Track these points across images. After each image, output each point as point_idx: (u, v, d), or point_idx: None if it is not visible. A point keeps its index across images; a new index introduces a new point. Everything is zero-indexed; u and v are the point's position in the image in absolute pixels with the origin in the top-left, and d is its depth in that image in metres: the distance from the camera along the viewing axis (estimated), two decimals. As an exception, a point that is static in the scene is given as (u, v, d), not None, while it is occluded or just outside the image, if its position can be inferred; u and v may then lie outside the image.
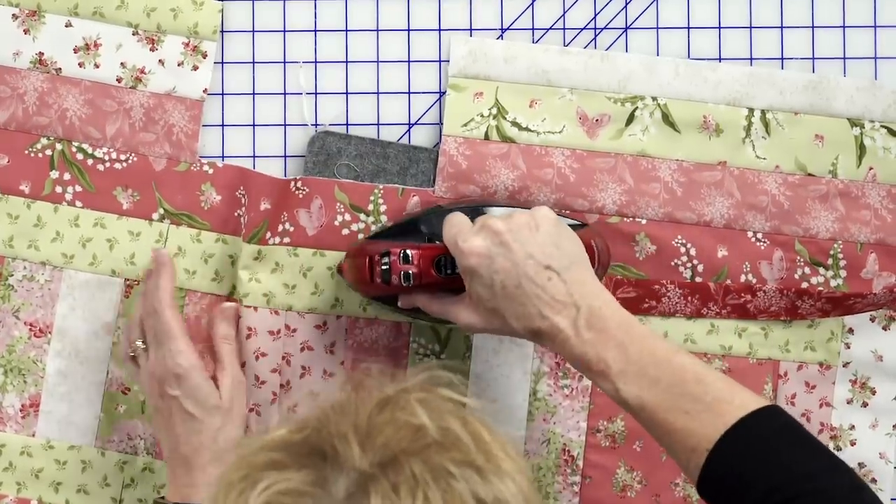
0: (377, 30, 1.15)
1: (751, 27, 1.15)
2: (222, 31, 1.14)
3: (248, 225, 1.12)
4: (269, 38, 1.15)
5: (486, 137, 1.12)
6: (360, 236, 1.12)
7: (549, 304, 0.95)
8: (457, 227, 0.98)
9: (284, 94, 1.15)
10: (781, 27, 1.15)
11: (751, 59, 1.15)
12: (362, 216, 1.12)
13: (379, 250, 1.03)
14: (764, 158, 1.12)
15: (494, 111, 1.12)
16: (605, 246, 1.07)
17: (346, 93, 1.15)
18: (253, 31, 1.15)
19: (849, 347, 1.13)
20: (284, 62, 1.15)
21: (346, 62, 1.15)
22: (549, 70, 1.12)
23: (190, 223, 1.13)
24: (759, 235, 1.13)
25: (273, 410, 1.12)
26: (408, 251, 1.01)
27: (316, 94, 1.15)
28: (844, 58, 1.15)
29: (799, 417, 1.13)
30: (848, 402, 1.14)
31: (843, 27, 1.15)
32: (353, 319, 1.13)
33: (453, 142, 1.12)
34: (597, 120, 1.12)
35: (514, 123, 1.12)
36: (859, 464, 1.13)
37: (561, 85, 1.12)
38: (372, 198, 1.12)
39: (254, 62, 1.15)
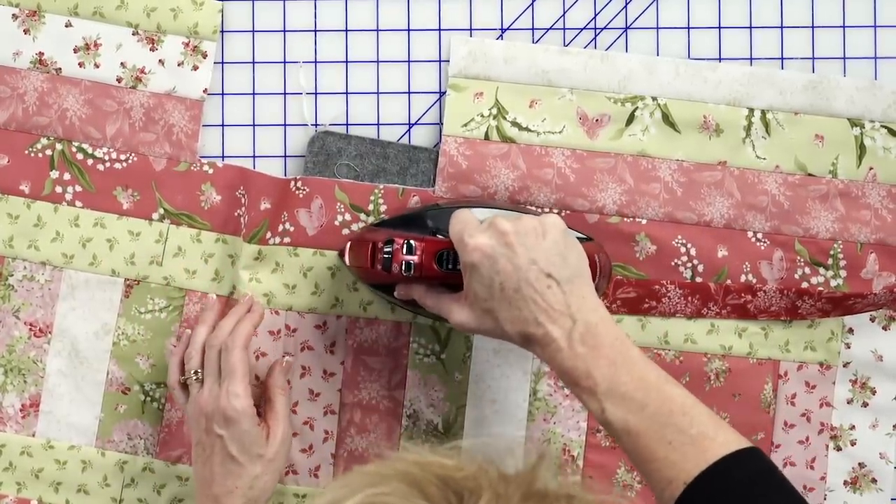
0: (377, 30, 1.15)
1: (751, 27, 1.15)
2: (222, 31, 1.14)
3: (248, 225, 1.12)
4: (269, 38, 1.15)
5: (487, 137, 1.12)
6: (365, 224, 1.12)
7: (545, 312, 0.94)
8: (463, 223, 0.98)
9: (284, 94, 1.15)
10: (781, 27, 1.15)
11: (751, 59, 1.15)
12: (363, 216, 1.12)
13: (382, 238, 1.03)
14: (764, 158, 1.12)
15: (494, 111, 1.12)
16: (607, 262, 1.07)
17: (346, 93, 1.15)
18: (253, 31, 1.15)
19: (849, 347, 1.13)
20: (284, 62, 1.15)
21: (346, 62, 1.15)
22: (549, 70, 1.12)
23: (190, 223, 1.13)
24: (760, 235, 1.13)
25: None
26: (411, 241, 1.01)
27: (316, 94, 1.15)
28: (844, 58, 1.15)
29: (799, 417, 1.13)
30: (848, 402, 1.13)
31: (843, 27, 1.15)
32: (353, 319, 1.13)
33: (453, 142, 1.12)
34: (597, 120, 1.12)
35: (515, 123, 1.12)
36: (859, 464, 1.13)
37: (561, 85, 1.12)
38: (372, 198, 1.12)
39: (254, 62, 1.15)
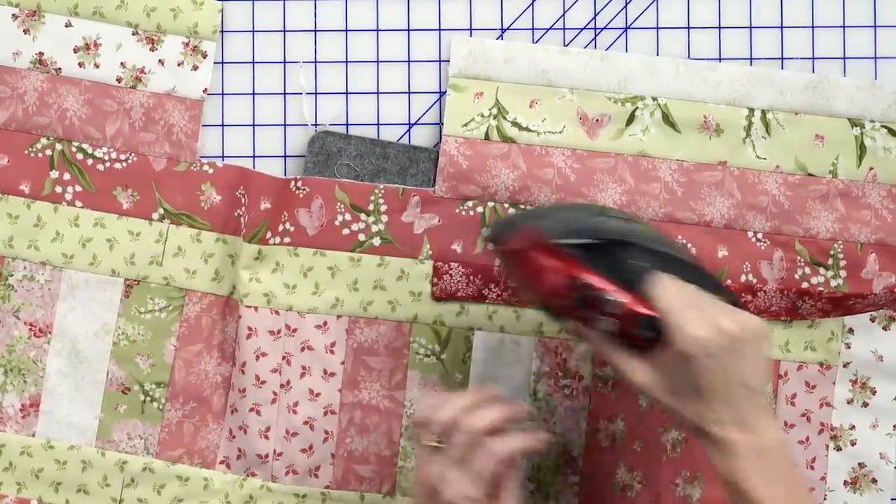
0: (377, 30, 1.15)
1: (751, 27, 1.15)
2: (222, 31, 1.14)
3: (248, 225, 1.12)
4: (269, 38, 1.15)
5: (487, 137, 1.12)
6: (361, 237, 1.12)
7: (734, 419, 0.91)
8: (678, 299, 0.92)
9: (284, 94, 1.14)
10: (781, 27, 1.15)
11: (751, 58, 1.15)
12: (363, 216, 1.12)
13: (576, 270, 0.93)
14: (764, 158, 1.12)
15: (495, 111, 1.12)
16: None
17: (346, 93, 1.15)
18: (253, 31, 1.15)
19: (849, 347, 1.13)
20: (284, 62, 1.15)
21: (346, 62, 1.15)
22: (549, 70, 1.12)
23: (190, 223, 1.13)
24: (760, 235, 1.13)
25: (273, 410, 1.12)
26: (620, 300, 0.92)
27: (316, 94, 1.15)
28: (844, 58, 1.15)
29: (799, 418, 1.13)
30: (848, 402, 1.13)
31: (843, 27, 1.15)
32: (354, 319, 1.13)
33: (454, 142, 1.12)
34: (597, 120, 1.12)
35: (515, 123, 1.12)
36: (859, 464, 1.13)
37: (561, 85, 1.12)
38: (372, 198, 1.12)
39: (254, 62, 1.15)
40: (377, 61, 1.15)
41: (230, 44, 1.15)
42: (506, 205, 1.12)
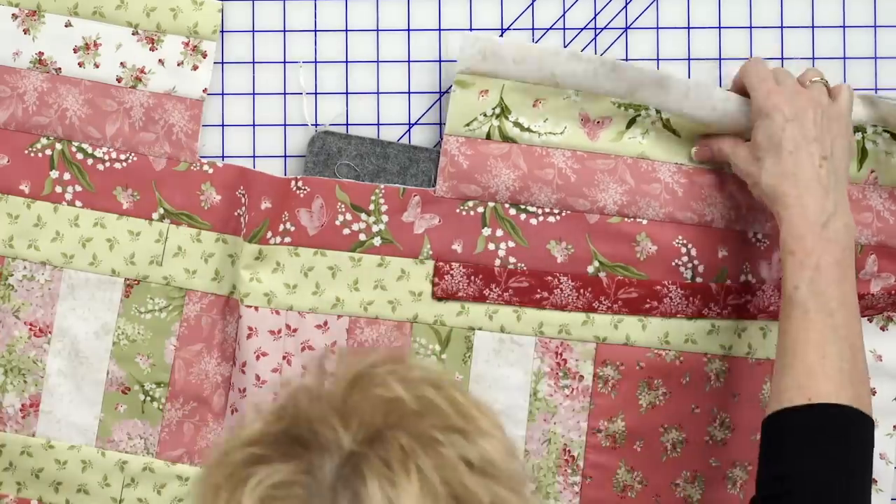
0: (377, 30, 1.15)
1: (751, 27, 1.15)
2: (222, 31, 1.14)
3: (248, 224, 1.12)
4: (269, 38, 1.15)
5: (488, 137, 1.12)
6: (362, 237, 1.12)
7: (809, 182, 1.00)
8: (765, 71, 1.06)
9: (284, 94, 1.14)
10: (781, 27, 1.15)
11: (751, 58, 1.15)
12: (363, 216, 1.12)
13: None
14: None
15: (498, 111, 1.12)
16: None
17: (347, 93, 1.15)
18: (253, 31, 1.15)
19: None
20: (284, 62, 1.15)
21: (346, 62, 1.15)
22: (558, 74, 1.11)
23: (190, 223, 1.13)
24: (759, 236, 1.13)
25: None
26: None
27: (316, 94, 1.15)
28: (844, 58, 1.15)
29: None
30: None
31: (843, 27, 1.15)
32: (354, 319, 1.13)
33: (455, 141, 1.12)
34: (598, 122, 1.12)
35: (517, 124, 1.12)
36: None
37: (567, 86, 1.12)
38: (373, 197, 1.12)
39: (254, 62, 1.15)
40: (377, 61, 1.15)
41: (230, 44, 1.14)
42: (506, 205, 1.12)
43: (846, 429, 0.93)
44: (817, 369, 0.95)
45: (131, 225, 1.13)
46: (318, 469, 0.72)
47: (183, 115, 1.13)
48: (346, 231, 1.12)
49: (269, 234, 1.12)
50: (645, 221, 1.12)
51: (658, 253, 1.12)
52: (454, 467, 0.72)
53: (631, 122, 1.12)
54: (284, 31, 1.15)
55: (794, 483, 0.92)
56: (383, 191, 1.12)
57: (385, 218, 1.12)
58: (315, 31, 1.15)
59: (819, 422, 0.93)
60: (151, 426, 1.14)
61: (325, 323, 1.13)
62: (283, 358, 1.13)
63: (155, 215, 1.13)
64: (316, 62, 1.15)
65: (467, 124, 1.12)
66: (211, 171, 1.13)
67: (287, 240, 1.12)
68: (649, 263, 1.13)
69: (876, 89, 1.15)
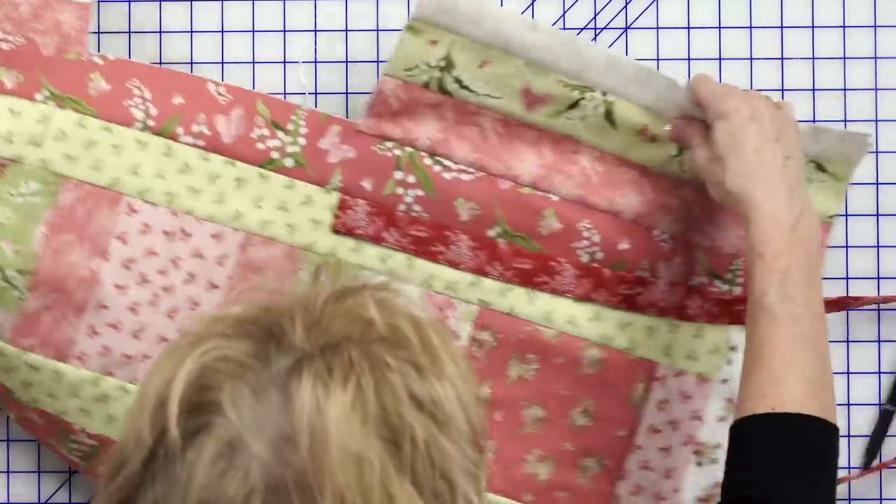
0: (377, 30, 1.15)
1: (751, 27, 1.15)
2: (223, 31, 1.14)
3: (158, 118, 1.09)
4: (269, 38, 1.15)
5: (426, 86, 1.09)
6: (275, 155, 1.10)
7: (774, 182, 0.99)
8: (713, 83, 1.05)
9: (285, 94, 1.15)
10: (781, 27, 1.15)
11: (751, 58, 1.15)
12: (280, 134, 1.10)
13: None
14: (685, 172, 1.11)
15: (443, 63, 1.08)
16: None
17: (347, 93, 1.15)
18: (253, 31, 1.15)
19: (730, 364, 1.11)
20: (284, 62, 1.15)
21: (347, 62, 1.15)
22: (512, 41, 1.08)
23: (75, 107, 1.09)
24: (666, 236, 1.11)
25: (150, 312, 1.10)
26: None
27: (316, 94, 1.15)
28: (844, 58, 1.15)
29: (666, 424, 1.12)
30: (719, 420, 1.11)
31: (843, 27, 1.15)
32: (249, 235, 1.09)
33: (392, 82, 1.09)
34: (540, 98, 1.09)
35: (457, 80, 1.09)
36: (716, 483, 1.10)
37: (518, 55, 1.09)
38: (293, 117, 1.10)
39: (254, 62, 1.15)
40: (377, 61, 1.15)
41: (230, 44, 1.15)
42: (424, 154, 1.10)
43: (809, 438, 0.93)
44: (782, 377, 0.94)
45: (12, 104, 1.09)
46: (273, 361, 0.72)
47: (72, 14, 1.09)
48: (261, 146, 1.10)
49: (181, 130, 1.10)
50: (556, 198, 1.10)
51: (562, 232, 1.10)
52: (396, 395, 0.72)
53: (573, 105, 1.09)
54: (284, 31, 1.15)
55: (757, 491, 0.92)
56: (305, 113, 1.10)
57: (302, 141, 1.10)
58: (315, 31, 1.15)
59: (782, 431, 0.92)
60: (6, 313, 1.09)
61: (222, 234, 1.10)
62: (171, 261, 1.10)
63: (39, 96, 1.09)
64: (316, 62, 1.15)
65: (408, 69, 1.09)
66: (101, 62, 1.10)
67: (200, 143, 1.10)
68: (550, 240, 1.10)
69: (876, 89, 1.15)
